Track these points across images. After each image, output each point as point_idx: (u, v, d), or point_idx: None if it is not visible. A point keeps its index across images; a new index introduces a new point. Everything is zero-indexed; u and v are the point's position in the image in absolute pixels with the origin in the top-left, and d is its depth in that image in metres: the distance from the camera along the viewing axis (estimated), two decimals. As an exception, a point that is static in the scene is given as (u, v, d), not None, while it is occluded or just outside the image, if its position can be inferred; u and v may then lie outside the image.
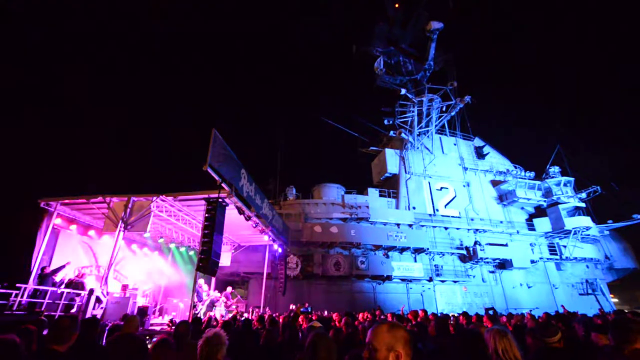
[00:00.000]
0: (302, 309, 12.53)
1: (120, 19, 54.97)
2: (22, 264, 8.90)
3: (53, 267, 9.67)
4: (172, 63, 67.23)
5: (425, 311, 8.10)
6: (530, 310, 15.45)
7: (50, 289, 8.14)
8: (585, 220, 24.02)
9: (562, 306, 13.04)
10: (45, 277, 8.63)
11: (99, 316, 7.91)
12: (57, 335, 2.55)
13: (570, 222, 23.88)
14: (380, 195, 24.32)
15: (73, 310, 8.33)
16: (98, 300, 8.17)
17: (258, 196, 11.12)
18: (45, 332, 3.84)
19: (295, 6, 73.30)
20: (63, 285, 8.99)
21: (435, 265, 21.77)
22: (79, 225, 11.41)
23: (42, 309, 7.54)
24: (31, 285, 8.22)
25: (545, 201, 25.91)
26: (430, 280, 21.27)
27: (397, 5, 28.60)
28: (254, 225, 11.76)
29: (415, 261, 21.56)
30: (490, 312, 13.26)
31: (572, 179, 26.25)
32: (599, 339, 3.81)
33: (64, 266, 9.63)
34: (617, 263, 25.41)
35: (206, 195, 9.18)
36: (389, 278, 20.23)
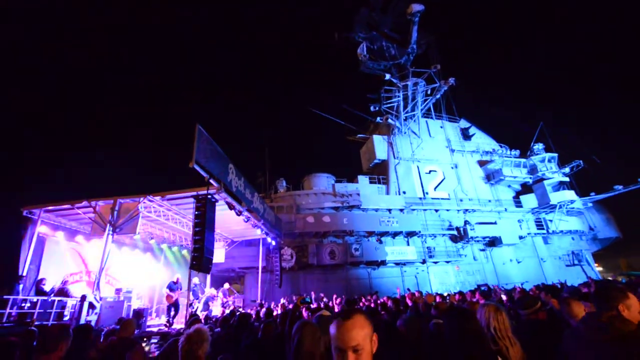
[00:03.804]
0: (302, 300, 12.54)
1: (109, 18, 52.94)
2: (8, 275, 8.67)
3: (41, 276, 9.45)
4: (154, 57, 65.32)
5: (421, 292, 8.25)
6: (522, 284, 15.92)
7: (41, 298, 7.96)
8: (570, 194, 24.73)
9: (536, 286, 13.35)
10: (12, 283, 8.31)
11: (93, 322, 7.79)
12: (45, 345, 2.47)
13: (556, 197, 24.55)
14: (371, 182, 24.43)
15: (66, 319, 8.18)
16: (91, 306, 8.03)
17: (248, 190, 11.01)
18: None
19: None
20: (53, 294, 8.80)
21: (427, 248, 22.15)
22: (65, 231, 11.13)
23: (34, 318, 7.37)
24: (20, 296, 8.01)
25: (530, 178, 26.51)
26: (424, 262, 21.66)
27: (377, -11, 28.22)
28: (246, 220, 11.67)
29: (408, 245, 21.88)
30: (484, 288, 13.56)
31: (555, 154, 26.87)
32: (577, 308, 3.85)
33: None
34: (600, 233, 26.36)
35: (194, 193, 9.03)
36: (383, 263, 20.52)
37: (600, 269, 31.07)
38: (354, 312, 1.42)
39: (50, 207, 9.85)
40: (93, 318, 7.98)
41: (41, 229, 9.87)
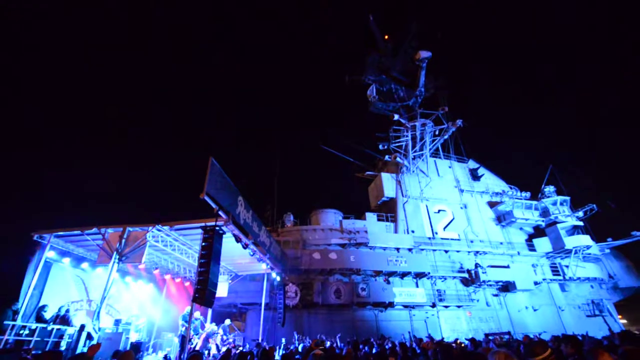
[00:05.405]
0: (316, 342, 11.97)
1: (117, 41, 57.08)
2: (9, 300, 8.58)
3: (43, 301, 9.33)
4: (168, 89, 68.82)
5: (432, 338, 7.84)
6: (539, 334, 14.99)
7: (40, 325, 7.80)
8: (585, 239, 23.88)
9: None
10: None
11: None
12: None
13: (570, 242, 23.71)
14: (379, 220, 24.17)
15: (62, 349, 7.94)
16: (89, 336, 7.81)
17: (255, 223, 11.02)
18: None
19: (289, 36, 76.61)
20: (52, 322, 8.62)
21: (437, 290, 21.25)
22: (72, 257, 11.13)
23: (31, 347, 7.18)
24: (19, 322, 7.87)
25: (543, 221, 25.87)
26: (434, 305, 20.68)
27: (386, 37, 30.04)
28: (252, 254, 11.57)
29: (417, 286, 21.06)
30: (498, 337, 12.76)
31: (568, 197, 26.40)
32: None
33: None
34: (621, 282, 25.03)
35: (203, 224, 9.07)
36: (391, 305, 19.65)
37: (624, 321, 29.08)
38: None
39: (60, 233, 9.97)
40: (89, 350, 7.72)
41: (49, 254, 9.91)
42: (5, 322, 7.13)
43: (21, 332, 7.46)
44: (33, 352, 6.67)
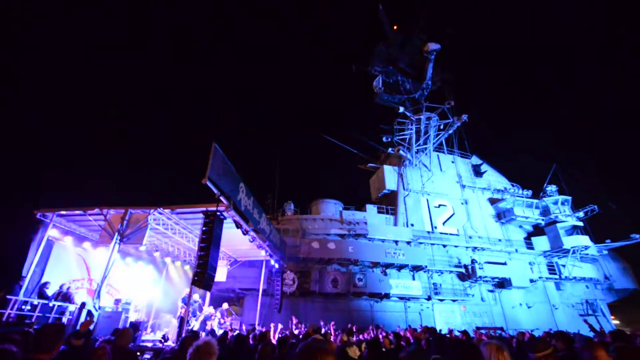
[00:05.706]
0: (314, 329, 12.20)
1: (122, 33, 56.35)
2: (11, 276, 8.75)
3: (45, 279, 9.49)
4: (168, 89, 68.28)
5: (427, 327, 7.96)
6: (532, 331, 15.15)
7: (42, 301, 7.96)
8: (584, 240, 23.96)
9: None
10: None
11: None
12: (42, 343, 2.46)
13: (569, 241, 23.80)
14: (379, 212, 24.25)
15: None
16: (89, 314, 7.97)
17: (256, 210, 11.07)
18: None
19: (295, 24, 75.46)
20: (54, 299, 8.79)
21: (433, 284, 21.48)
22: (74, 237, 11.26)
23: (33, 321, 7.35)
24: (22, 297, 8.03)
25: (543, 220, 25.91)
26: (429, 299, 20.94)
27: (395, 28, 29.53)
28: (251, 240, 11.66)
29: (414, 279, 21.28)
30: (498, 332, 12.89)
31: (569, 197, 26.36)
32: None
33: None
34: (616, 283, 25.19)
35: (204, 208, 9.12)
36: (387, 296, 19.91)
37: (617, 322, 29.35)
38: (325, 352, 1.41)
39: (63, 212, 10.06)
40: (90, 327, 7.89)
41: (51, 232, 10.02)
42: (8, 297, 7.28)
43: (23, 307, 7.62)
44: (35, 326, 6.83)
